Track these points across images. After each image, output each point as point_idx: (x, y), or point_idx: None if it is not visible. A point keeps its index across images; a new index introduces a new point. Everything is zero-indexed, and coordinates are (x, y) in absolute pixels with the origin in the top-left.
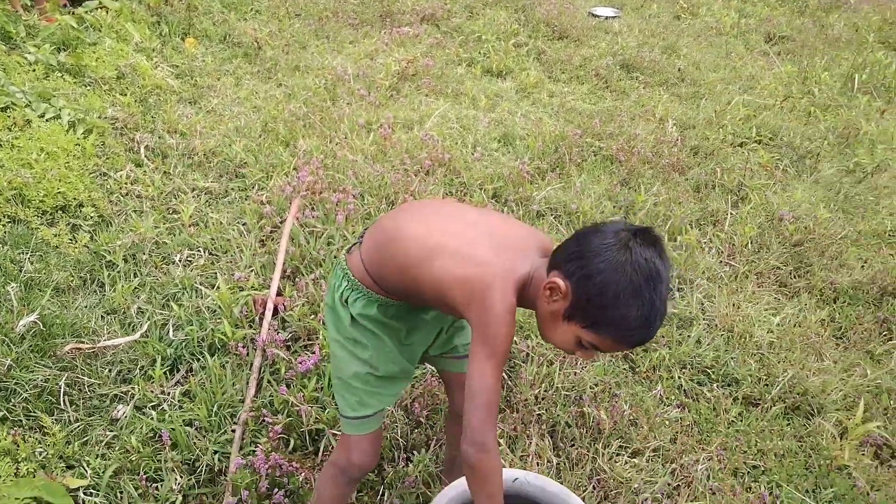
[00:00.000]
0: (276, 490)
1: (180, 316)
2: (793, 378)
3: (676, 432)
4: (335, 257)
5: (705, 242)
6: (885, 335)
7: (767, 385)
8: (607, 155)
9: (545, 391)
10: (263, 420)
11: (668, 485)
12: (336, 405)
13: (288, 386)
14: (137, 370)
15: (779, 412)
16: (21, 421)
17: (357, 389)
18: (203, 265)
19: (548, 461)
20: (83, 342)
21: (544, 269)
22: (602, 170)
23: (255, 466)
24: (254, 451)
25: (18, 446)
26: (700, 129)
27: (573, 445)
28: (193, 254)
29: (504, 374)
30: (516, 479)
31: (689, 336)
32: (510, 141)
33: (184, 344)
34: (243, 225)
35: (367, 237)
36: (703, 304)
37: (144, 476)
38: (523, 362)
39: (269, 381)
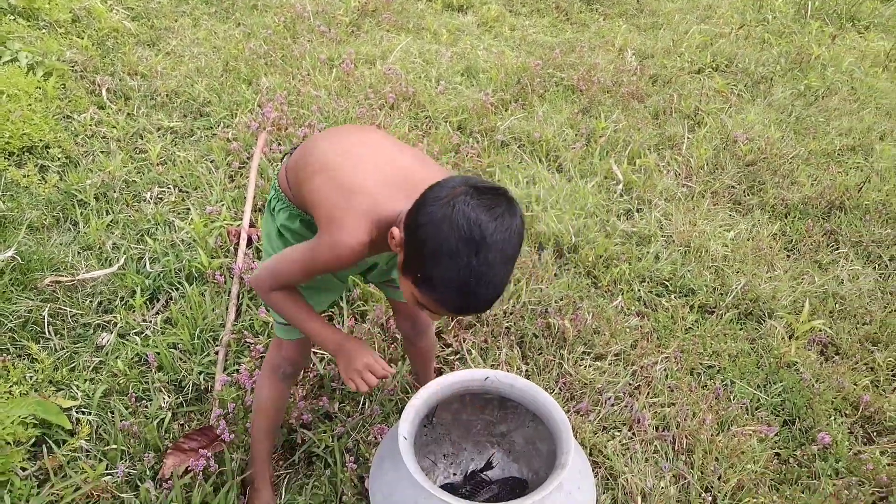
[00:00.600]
0: None
1: (155, 249)
2: (745, 286)
3: (636, 339)
4: None
5: (663, 165)
6: (831, 246)
7: (722, 294)
8: (568, 85)
9: (513, 306)
10: (245, 342)
11: (630, 384)
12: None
13: (267, 309)
14: (118, 301)
15: (732, 318)
16: (8, 349)
17: None
18: (174, 201)
19: (517, 368)
20: (62, 275)
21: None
22: (563, 99)
23: (240, 383)
24: (237, 370)
25: (9, 371)
26: (658, 57)
27: (540, 353)
28: (164, 191)
29: None
30: (487, 377)
31: (647, 252)
32: (473, 74)
33: (161, 275)
34: (211, 162)
35: (298, 150)
36: (661, 222)
37: (134, 396)
38: None
39: (247, 306)
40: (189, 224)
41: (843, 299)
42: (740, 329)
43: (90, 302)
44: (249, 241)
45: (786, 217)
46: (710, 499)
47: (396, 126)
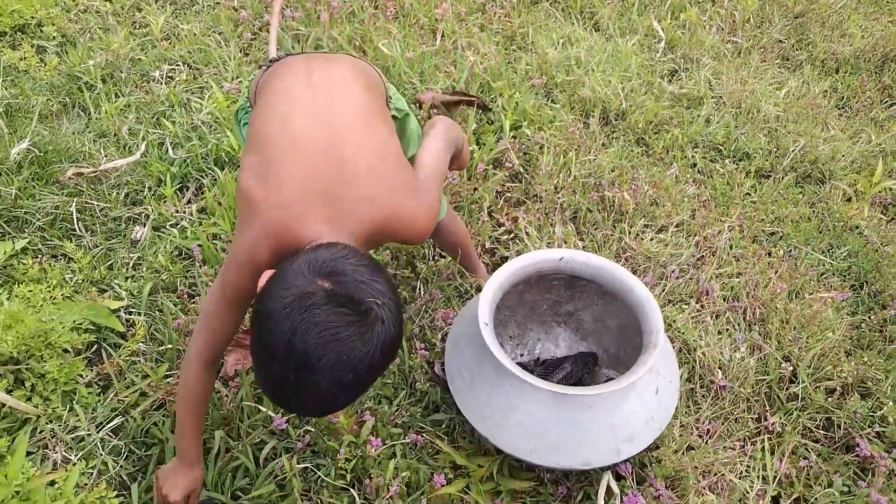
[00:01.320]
0: None
1: (176, 133)
2: (803, 148)
3: (695, 208)
4: None
5: (706, 20)
6: (886, 102)
7: (778, 157)
8: None
9: (564, 180)
10: None
11: (693, 256)
12: None
13: None
14: (146, 191)
15: (791, 182)
16: (41, 250)
17: None
18: (186, 80)
19: (573, 245)
20: (83, 167)
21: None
22: None
23: None
24: None
25: (47, 273)
26: None
27: (597, 228)
28: (173, 69)
29: (521, 166)
30: (562, 258)
31: (698, 115)
32: None
33: (187, 161)
34: (220, 34)
35: (276, 65)
36: (709, 82)
37: (185, 292)
38: (539, 154)
39: None
40: (211, 103)
41: None
42: (800, 193)
43: (117, 194)
44: None
45: (836, 72)
46: (790, 368)
47: None
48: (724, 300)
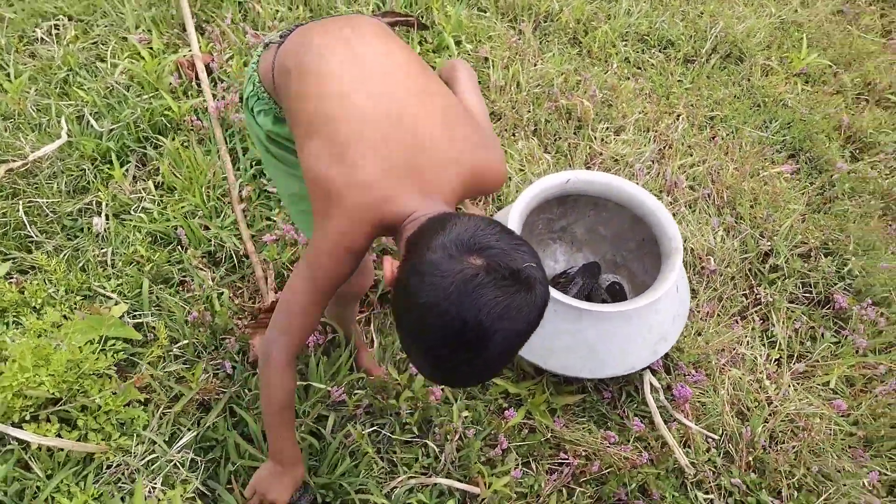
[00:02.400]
0: None
1: (94, 101)
2: (722, 30)
3: (645, 104)
4: None
5: None
6: None
7: (699, 41)
8: None
9: (516, 95)
10: (263, 189)
11: (654, 151)
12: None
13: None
14: (89, 175)
15: (717, 64)
16: (9, 273)
17: (308, 209)
18: (76, 36)
19: (539, 159)
20: (11, 160)
21: (421, 222)
22: None
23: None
24: (270, 223)
25: (25, 292)
26: None
27: (560, 139)
28: (56, 25)
29: None
30: (568, 179)
31: (619, 7)
32: None
33: (116, 133)
34: None
35: (290, 41)
36: None
37: (177, 281)
38: (485, 68)
39: (240, 149)
40: (124, 60)
41: (800, 27)
42: (726, 74)
43: (57, 186)
44: (209, 71)
45: None
46: (767, 243)
47: None
48: (692, 189)
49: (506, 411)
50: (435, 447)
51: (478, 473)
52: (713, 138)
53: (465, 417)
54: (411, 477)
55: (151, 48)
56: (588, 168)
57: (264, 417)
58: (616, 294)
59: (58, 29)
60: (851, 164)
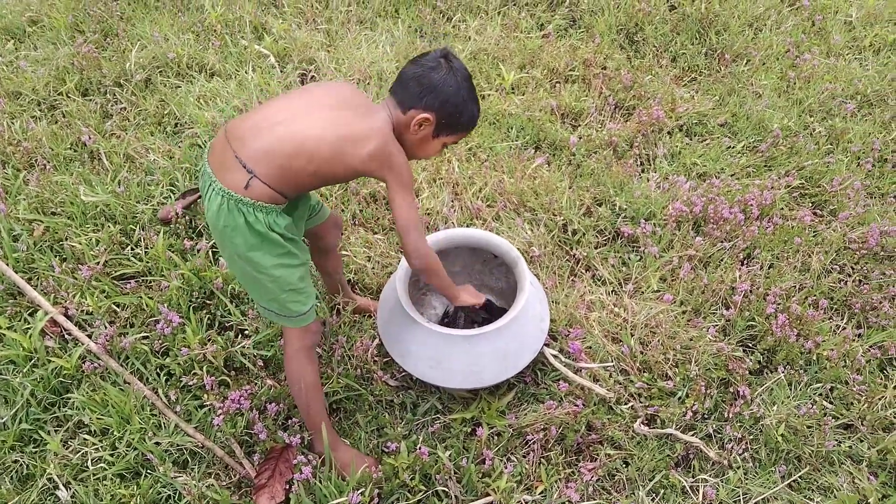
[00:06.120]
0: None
1: None
2: None
3: (422, 163)
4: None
5: None
6: None
7: None
8: None
9: None
10: None
11: (450, 195)
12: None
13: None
14: (30, 470)
15: None
16: None
17: (304, 286)
18: None
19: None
20: None
21: (393, 108)
22: None
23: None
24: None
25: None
26: None
27: (381, 219)
28: None
29: None
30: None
31: None
32: None
33: (22, 416)
34: None
35: (255, 165)
36: None
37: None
38: None
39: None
40: None
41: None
42: None
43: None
44: (71, 319)
45: None
46: (559, 217)
47: None
48: (490, 207)
49: (476, 431)
50: (442, 490)
51: (484, 487)
52: (483, 164)
53: (449, 455)
54: None
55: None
56: None
57: (449, 289)
58: (492, 307)
59: None
60: (576, 133)
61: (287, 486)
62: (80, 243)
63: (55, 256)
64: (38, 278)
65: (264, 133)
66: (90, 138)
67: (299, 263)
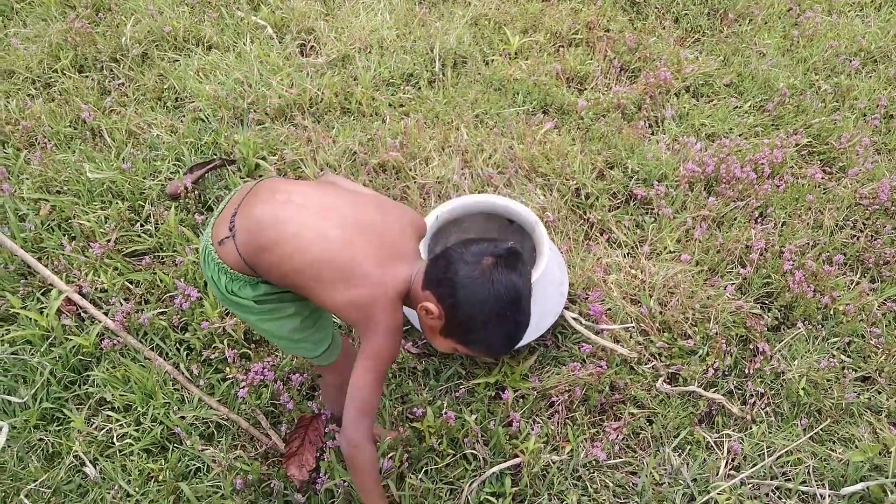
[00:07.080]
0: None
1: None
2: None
3: (430, 132)
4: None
5: None
6: None
7: (428, 62)
8: None
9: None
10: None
11: (460, 164)
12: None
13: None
14: (55, 448)
15: (450, 74)
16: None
17: (304, 336)
18: None
19: None
20: None
21: (421, 274)
22: None
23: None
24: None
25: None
26: None
27: (389, 189)
28: None
29: None
30: (437, 216)
31: None
32: None
33: (42, 396)
34: None
35: (240, 230)
36: None
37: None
38: (299, 168)
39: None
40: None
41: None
42: (464, 76)
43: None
44: (85, 297)
45: None
46: (572, 182)
47: None
48: (502, 174)
49: (500, 395)
50: (471, 453)
51: (512, 448)
52: (492, 130)
53: (475, 419)
54: (472, 480)
55: (17, 313)
56: (423, 198)
57: (366, 494)
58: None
59: None
60: (583, 97)
61: (318, 454)
62: (89, 221)
63: (64, 235)
64: (48, 258)
65: (273, 207)
66: (90, 115)
67: (288, 315)
